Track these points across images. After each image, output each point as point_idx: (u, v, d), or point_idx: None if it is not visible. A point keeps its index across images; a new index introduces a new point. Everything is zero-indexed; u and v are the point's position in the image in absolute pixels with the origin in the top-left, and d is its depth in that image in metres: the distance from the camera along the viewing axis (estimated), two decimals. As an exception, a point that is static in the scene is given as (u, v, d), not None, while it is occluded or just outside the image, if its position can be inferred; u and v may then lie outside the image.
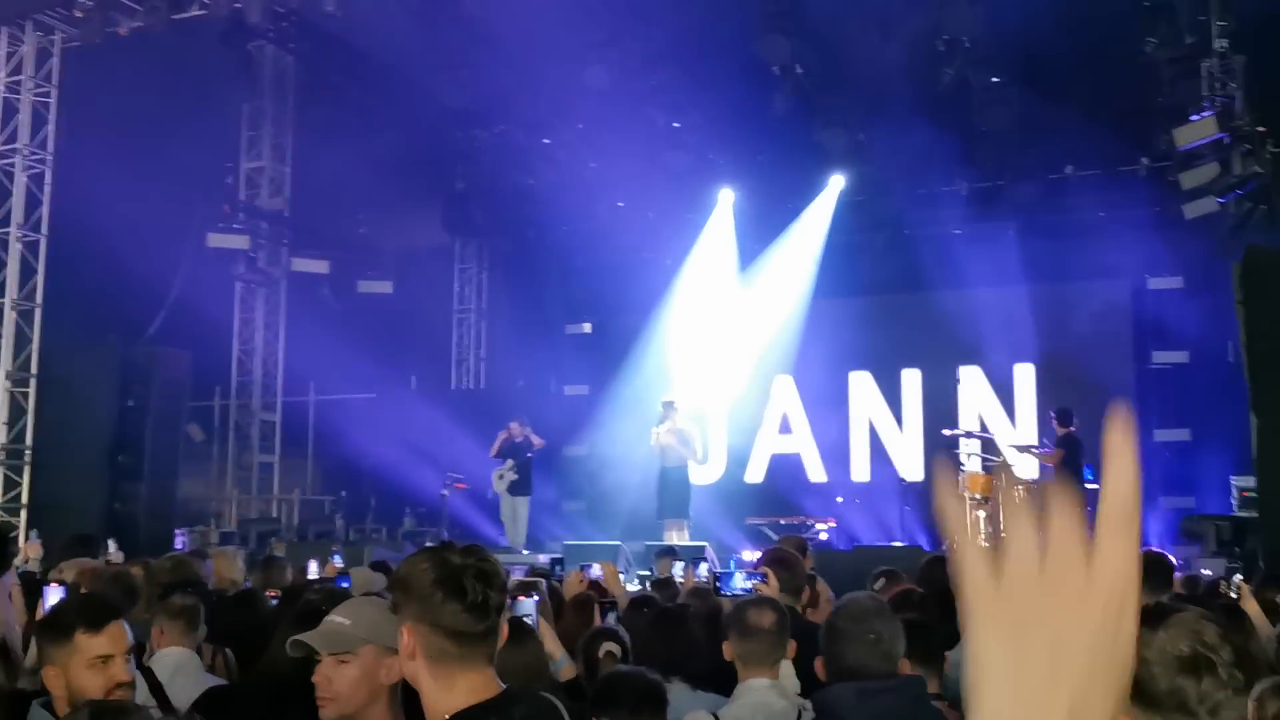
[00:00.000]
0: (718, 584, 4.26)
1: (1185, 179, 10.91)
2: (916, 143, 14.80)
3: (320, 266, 16.31)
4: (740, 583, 4.23)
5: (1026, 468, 13.72)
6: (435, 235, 18.59)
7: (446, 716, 2.22)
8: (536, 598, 4.08)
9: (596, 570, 6.25)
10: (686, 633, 3.99)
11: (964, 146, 15.05)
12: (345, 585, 5.78)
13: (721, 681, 3.93)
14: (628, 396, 16.73)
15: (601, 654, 4.25)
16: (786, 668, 3.79)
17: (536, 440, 14.21)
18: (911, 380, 16.40)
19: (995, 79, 13.59)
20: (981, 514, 12.41)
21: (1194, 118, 10.51)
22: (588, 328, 18.51)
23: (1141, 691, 1.78)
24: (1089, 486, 12.05)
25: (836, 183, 16.03)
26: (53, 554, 7.96)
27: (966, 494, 12.51)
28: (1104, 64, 13.06)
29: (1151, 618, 1.85)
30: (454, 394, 19.04)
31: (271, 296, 17.13)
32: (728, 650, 3.66)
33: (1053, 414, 12.29)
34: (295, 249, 16.64)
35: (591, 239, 17.83)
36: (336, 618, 2.83)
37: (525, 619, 3.97)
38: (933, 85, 14.14)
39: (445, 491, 14.79)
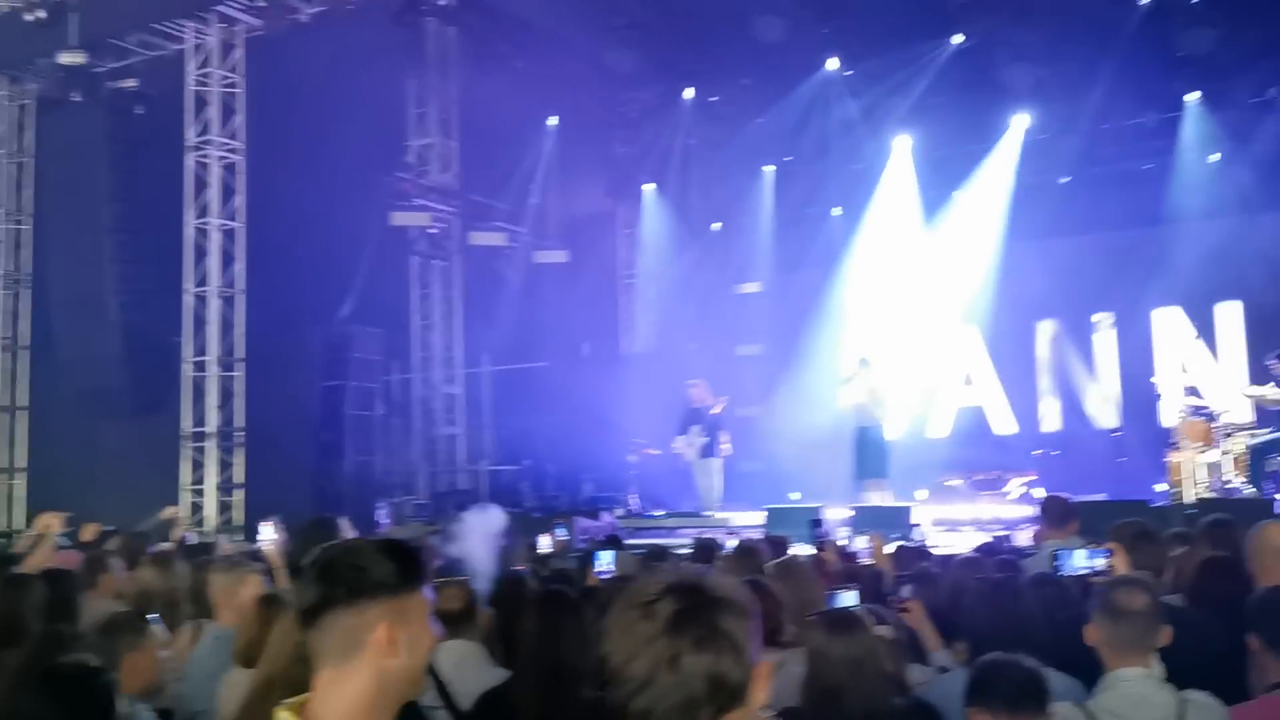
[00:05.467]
0: (1055, 564, 3.95)
1: None
2: (1105, 74, 14.08)
3: (497, 239, 16.44)
4: (1081, 561, 3.90)
5: (1241, 412, 12.99)
6: (600, 201, 18.56)
7: None
8: (858, 589, 3.88)
9: (859, 543, 6.04)
10: (1024, 607, 3.73)
11: (1158, 73, 14.22)
12: (609, 574, 5.66)
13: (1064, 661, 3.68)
14: (803, 354, 16.45)
15: None
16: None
17: (716, 405, 13.95)
18: (1104, 324, 15.69)
19: (1197, -2, 12.74)
20: (1203, 461, 11.79)
21: None
22: (758, 286, 18.20)
23: None
24: (1324, 429, 11.30)
25: (1020, 122, 15.33)
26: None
27: (1186, 443, 11.86)
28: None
29: None
30: (626, 359, 19.02)
31: (448, 271, 17.34)
32: (1092, 635, 3.40)
33: (1276, 356, 11.48)
34: (470, 223, 16.78)
35: (758, 195, 17.55)
36: None
37: (852, 610, 3.77)
38: (1125, 10, 13.38)
39: (633, 457, 14.77)
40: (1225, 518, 5.98)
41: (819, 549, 6.40)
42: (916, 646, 4.49)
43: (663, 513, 14.15)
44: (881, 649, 3.50)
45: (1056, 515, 6.52)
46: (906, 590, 4.44)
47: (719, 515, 13.39)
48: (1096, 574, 3.91)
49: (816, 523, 6.84)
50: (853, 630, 3.44)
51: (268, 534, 6.42)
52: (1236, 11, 12.85)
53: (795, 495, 15.60)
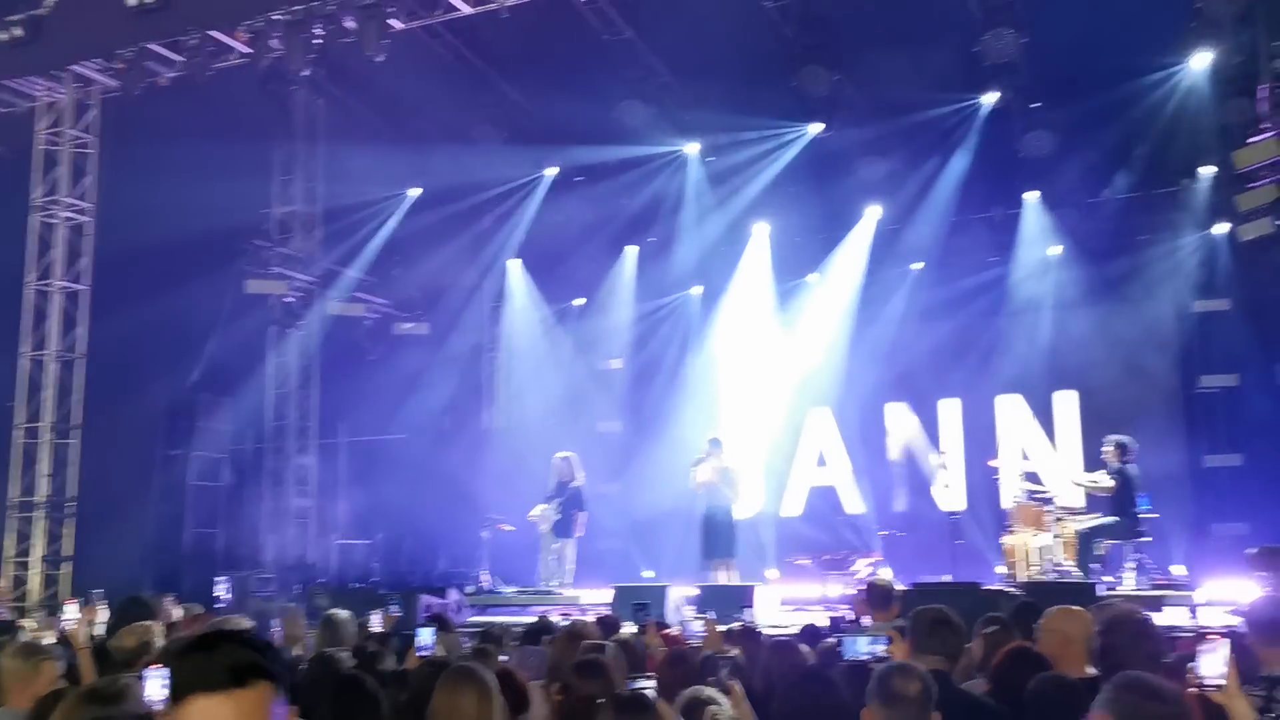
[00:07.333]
0: (838, 648, 4.06)
1: (1242, 200, 10.79)
2: (953, 169, 14.78)
3: (356, 309, 16.24)
4: (864, 647, 4.01)
5: (1074, 497, 13.55)
6: (464, 274, 18.51)
7: None
8: (655, 681, 3.91)
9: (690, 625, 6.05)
10: (835, 693, 3.81)
11: (1002, 172, 14.97)
12: (427, 652, 5.56)
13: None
14: (662, 432, 16.61)
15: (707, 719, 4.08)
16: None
17: (573, 479, 13.90)
18: (949, 410, 16.22)
19: (1036, 104, 13.50)
20: (1036, 545, 12.23)
21: (1252, 140, 10.39)
22: (619, 364, 18.35)
23: None
24: (1146, 515, 11.85)
25: (873, 213, 15.94)
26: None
27: (1019, 527, 12.29)
28: (1146, 85, 12.99)
29: None
30: (487, 433, 18.90)
31: (306, 340, 17.03)
32: (868, 718, 3.51)
33: (1112, 445, 12.02)
34: (331, 292, 16.56)
35: (620, 273, 17.78)
36: None
37: (646, 692, 3.79)
38: (971, 111, 14.11)
39: (485, 533, 14.62)
40: (1031, 602, 6.23)
41: (641, 631, 6.42)
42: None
43: (514, 589, 13.99)
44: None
45: (879, 599, 6.71)
46: (724, 671, 4.48)
47: (570, 593, 13.31)
48: (877, 659, 4.04)
49: (641, 606, 6.86)
50: (642, 715, 3.48)
51: (73, 613, 6.16)
52: (1071, 117, 13.66)
53: (649, 573, 15.65)
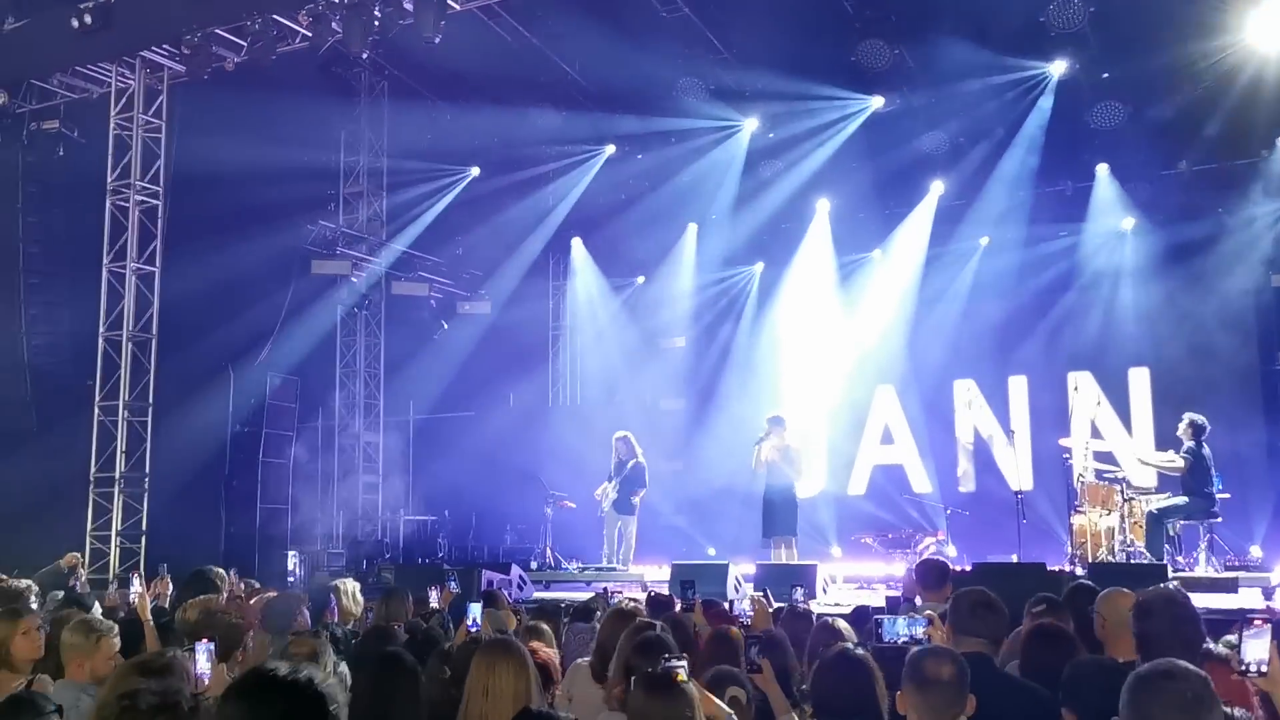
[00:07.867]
0: (879, 630, 4.03)
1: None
2: (1021, 142, 14.48)
3: (420, 289, 16.44)
4: (903, 629, 3.98)
5: (1146, 477, 13.26)
6: (527, 253, 18.61)
7: None
8: (686, 659, 3.91)
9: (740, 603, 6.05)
10: (866, 675, 3.79)
11: (1072, 144, 14.62)
12: (477, 628, 5.65)
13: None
14: (723, 410, 16.60)
15: (726, 699, 4.08)
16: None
17: (632, 457, 13.91)
18: (1018, 387, 15.95)
19: (1106, 74, 13.15)
20: (1105, 525, 11.99)
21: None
22: (681, 342, 18.36)
23: None
24: (1219, 495, 11.56)
25: (936, 188, 15.69)
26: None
27: (1088, 507, 12.06)
28: (1220, 52, 12.58)
29: None
30: (552, 411, 19.04)
31: (372, 319, 17.29)
32: (901, 702, 3.49)
33: (1186, 423, 11.70)
34: (395, 272, 16.78)
35: (681, 250, 17.74)
36: None
37: (679, 669, 3.80)
38: (1039, 82, 13.80)
39: (549, 509, 14.76)
40: (1087, 584, 6.11)
41: (688, 609, 6.43)
42: (767, 709, 4.54)
43: (577, 566, 14.11)
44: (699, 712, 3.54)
45: (932, 578, 6.64)
46: (754, 650, 4.48)
47: (633, 570, 13.39)
48: (915, 641, 4.00)
49: (688, 583, 6.86)
50: (670, 692, 3.49)
51: (137, 587, 6.35)
52: (1143, 87, 13.31)
53: (712, 551, 15.67)
